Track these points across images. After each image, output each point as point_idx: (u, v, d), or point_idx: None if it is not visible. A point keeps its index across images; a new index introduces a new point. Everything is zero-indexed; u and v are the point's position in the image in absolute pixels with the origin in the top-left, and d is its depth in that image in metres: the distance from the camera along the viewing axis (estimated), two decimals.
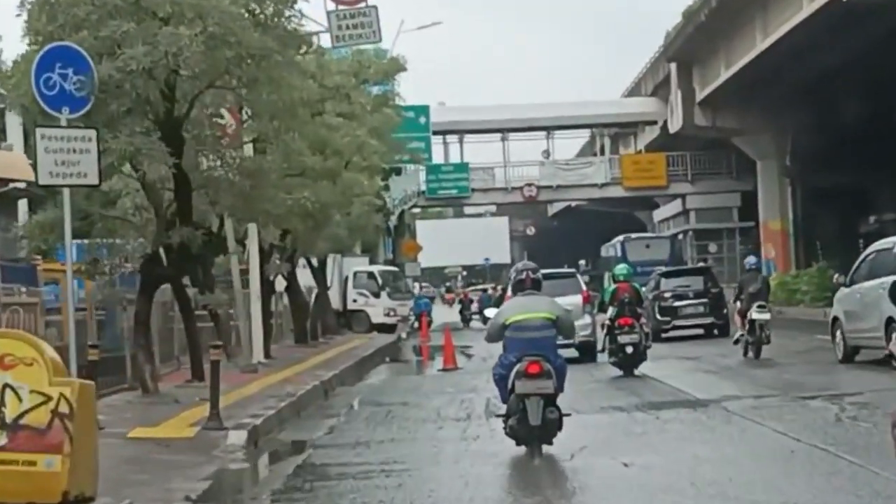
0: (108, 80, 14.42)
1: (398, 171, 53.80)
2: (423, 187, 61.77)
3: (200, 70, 14.57)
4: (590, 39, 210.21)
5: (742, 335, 23.01)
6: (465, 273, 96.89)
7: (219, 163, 16.60)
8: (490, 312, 13.74)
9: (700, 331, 31.76)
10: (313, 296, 35.62)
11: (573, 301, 23.44)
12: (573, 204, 79.73)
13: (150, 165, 14.91)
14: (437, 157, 64.27)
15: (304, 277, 34.94)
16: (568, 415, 11.68)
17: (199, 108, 16.39)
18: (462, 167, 63.63)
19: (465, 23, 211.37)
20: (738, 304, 23.38)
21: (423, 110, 57.36)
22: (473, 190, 63.27)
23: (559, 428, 11.33)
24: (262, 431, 13.86)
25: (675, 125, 56.53)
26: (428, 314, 45.76)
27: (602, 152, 71.71)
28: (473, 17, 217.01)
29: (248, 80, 15.30)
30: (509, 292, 13.48)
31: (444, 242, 72.85)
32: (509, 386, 11.38)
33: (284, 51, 15.21)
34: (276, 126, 17.55)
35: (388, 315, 44.04)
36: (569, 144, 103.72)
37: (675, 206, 67.57)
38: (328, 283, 37.65)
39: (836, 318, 20.59)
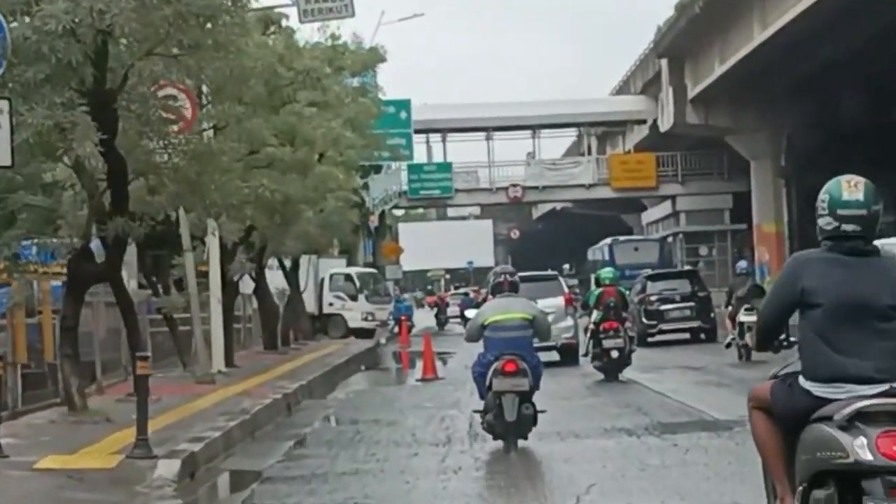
0: (22, 42, 12.20)
1: (378, 170, 51.59)
2: (405, 187, 59.53)
3: (132, 30, 12.28)
4: (577, 37, 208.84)
5: (733, 339, 23.07)
6: (448, 276, 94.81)
7: (161, 144, 14.28)
8: (470, 313, 14.00)
9: (686, 335, 31.08)
10: (285, 299, 33.34)
11: (555, 303, 23.42)
12: (558, 207, 77.88)
13: (77, 143, 12.57)
14: (420, 157, 62.14)
15: (277, 279, 32.86)
16: (543, 411, 12.11)
17: (141, 81, 14.13)
18: (445, 167, 61.42)
19: (448, 19, 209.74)
20: (730, 308, 23.40)
21: (404, 105, 55.02)
22: (457, 190, 61.20)
23: (534, 423, 11.95)
24: (201, 459, 11.62)
25: (665, 124, 54.51)
26: (409, 318, 43.68)
27: (589, 152, 69.63)
28: (457, 14, 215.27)
29: (190, 45, 12.95)
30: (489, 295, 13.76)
31: (426, 245, 70.96)
32: (487, 383, 11.88)
33: (234, 10, 12.92)
34: (227, 105, 15.26)
35: (366, 319, 42.05)
36: (555, 144, 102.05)
37: (664, 208, 65.71)
38: (302, 286, 35.43)
39: None
